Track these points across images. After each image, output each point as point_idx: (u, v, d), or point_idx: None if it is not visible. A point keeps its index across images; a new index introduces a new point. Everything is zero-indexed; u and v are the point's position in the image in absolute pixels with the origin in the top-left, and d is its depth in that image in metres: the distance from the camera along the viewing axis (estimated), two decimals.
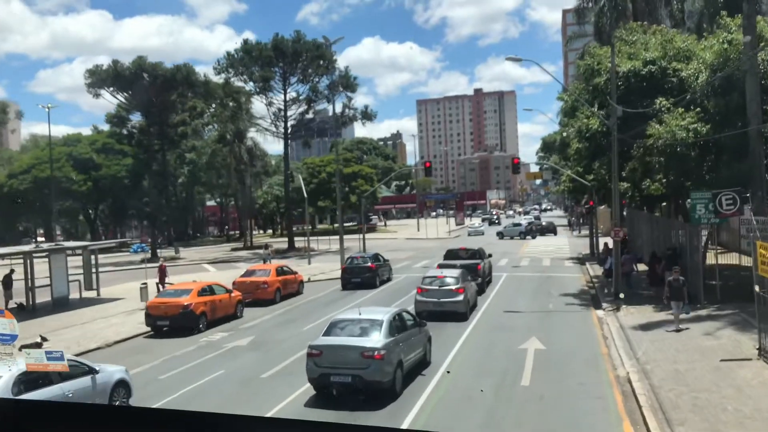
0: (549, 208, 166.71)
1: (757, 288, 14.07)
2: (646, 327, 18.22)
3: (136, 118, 79.30)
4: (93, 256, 30.30)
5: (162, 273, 28.28)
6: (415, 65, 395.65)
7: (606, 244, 32.38)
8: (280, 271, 26.99)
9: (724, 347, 14.99)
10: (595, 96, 24.97)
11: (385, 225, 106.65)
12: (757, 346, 14.25)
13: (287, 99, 56.61)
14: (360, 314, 14.38)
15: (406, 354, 14.35)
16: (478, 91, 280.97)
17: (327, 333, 14.07)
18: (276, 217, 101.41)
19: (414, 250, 51.13)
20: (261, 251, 49.13)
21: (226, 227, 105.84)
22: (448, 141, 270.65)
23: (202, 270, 44.49)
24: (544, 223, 70.20)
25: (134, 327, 21.78)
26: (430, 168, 40.57)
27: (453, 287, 20.31)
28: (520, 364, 14.94)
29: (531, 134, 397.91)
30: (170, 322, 20.20)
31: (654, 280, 23.67)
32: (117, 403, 12.23)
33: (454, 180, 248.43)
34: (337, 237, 72.75)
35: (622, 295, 22.77)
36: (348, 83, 55.53)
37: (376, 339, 13.52)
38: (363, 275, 28.76)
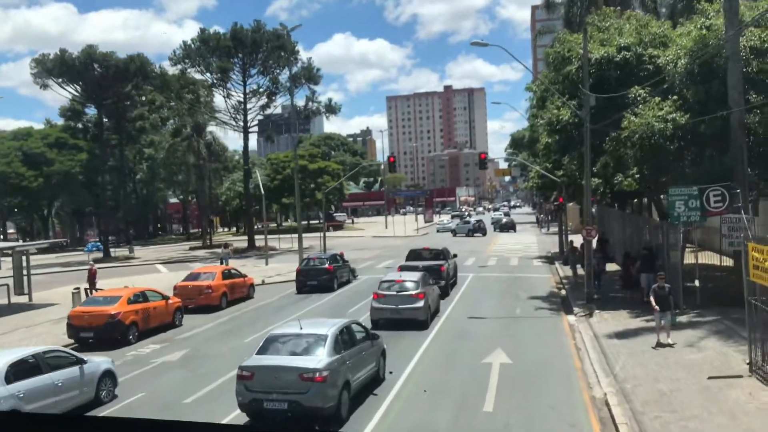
0: (518, 204, 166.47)
1: (747, 294, 12.47)
2: (622, 335, 16.59)
3: (93, 112, 76.88)
4: (25, 258, 27.74)
5: (92, 277, 25.87)
6: (386, 62, 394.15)
7: (572, 242, 30.82)
8: (227, 274, 24.83)
9: (711, 361, 13.38)
10: (566, 86, 23.31)
11: (353, 222, 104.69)
12: (747, 361, 12.66)
13: (247, 91, 54.15)
14: (301, 328, 12.43)
15: (355, 373, 12.47)
16: (448, 87, 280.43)
17: (262, 350, 12.10)
18: (241, 215, 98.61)
19: (379, 249, 49.27)
20: (219, 250, 46.81)
21: (189, 225, 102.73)
22: (418, 138, 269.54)
23: (154, 271, 42.00)
24: (504, 221, 69.89)
25: (58, 338, 19.43)
26: (394, 163, 38.72)
27: (412, 292, 18.45)
28: (484, 383, 13.13)
29: (501, 132, 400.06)
30: (95, 334, 17.97)
31: (628, 282, 22.15)
32: (104, 392, 12.96)
33: (424, 177, 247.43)
34: (308, 235, 70.68)
35: (596, 296, 21.25)
36: (311, 75, 53.30)
37: (318, 358, 11.62)
38: (319, 278, 26.75)
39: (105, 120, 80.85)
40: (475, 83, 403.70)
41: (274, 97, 55.95)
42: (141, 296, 19.36)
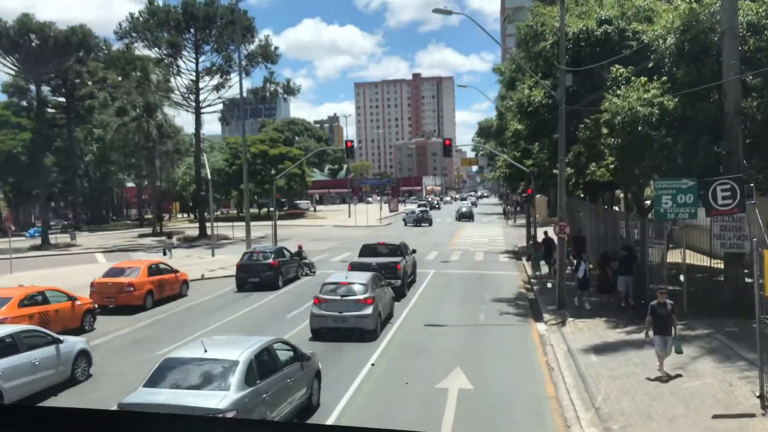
0: (485, 195, 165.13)
1: (760, 312, 10.14)
2: (601, 350, 14.23)
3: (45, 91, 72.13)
4: None
5: None
6: (356, 49, 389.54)
7: (534, 237, 28.53)
8: (154, 270, 21.82)
9: (712, 392, 11.03)
10: (539, 66, 20.85)
11: (315, 210, 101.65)
12: (758, 393, 10.35)
13: (200, 70, 50.64)
14: (205, 351, 9.73)
15: (276, 406, 9.86)
16: (416, 75, 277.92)
17: (150, 382, 9.36)
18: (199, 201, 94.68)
19: (338, 240, 46.52)
20: (164, 239, 43.63)
21: (145, 211, 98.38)
22: (386, 126, 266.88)
23: (91, 261, 38.57)
24: (464, 210, 70.84)
25: None
26: (352, 148, 35.90)
27: (360, 297, 15.81)
28: (437, 417, 10.59)
29: (469, 122, 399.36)
30: None
31: (604, 285, 19.86)
32: (79, 371, 13.20)
33: (391, 165, 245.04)
34: (264, 223, 67.49)
35: (588, 306, 18.91)
36: (267, 53, 50.01)
37: (224, 393, 8.97)
38: (262, 274, 23.91)
39: (53, 98, 77.06)
40: (444, 73, 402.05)
41: (228, 77, 52.58)
42: (38, 297, 16.33)
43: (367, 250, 23.20)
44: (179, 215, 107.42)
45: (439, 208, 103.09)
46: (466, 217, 67.59)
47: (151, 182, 66.21)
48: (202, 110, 53.56)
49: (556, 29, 19.27)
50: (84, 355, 13.44)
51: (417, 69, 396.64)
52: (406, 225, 61.21)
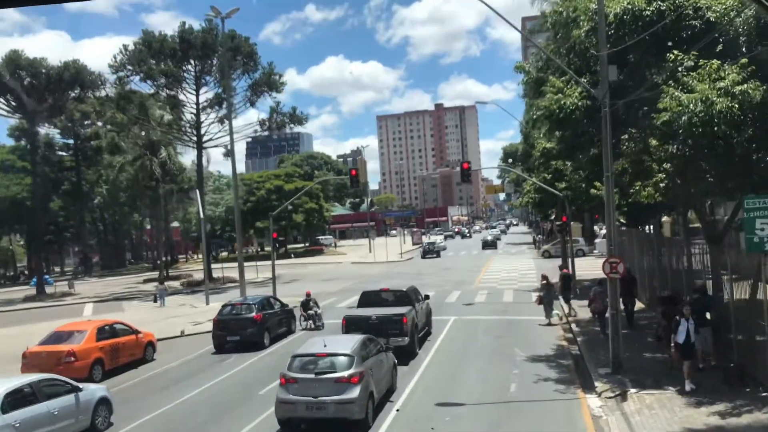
0: (513, 223, 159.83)
1: None
2: None
3: (45, 132, 70.11)
4: None
5: None
6: (379, 83, 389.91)
7: (545, 277, 23.48)
8: (106, 333, 17.75)
9: None
10: (572, 61, 16.64)
11: (335, 246, 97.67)
12: None
13: (200, 102, 47.52)
14: None
15: None
16: (438, 106, 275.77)
17: None
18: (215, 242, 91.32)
19: (353, 279, 42.26)
20: (174, 284, 40.00)
21: (162, 253, 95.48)
22: (410, 157, 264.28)
23: (75, 315, 34.81)
24: (489, 239, 72.24)
25: None
26: (357, 176, 31.85)
27: (342, 374, 11.49)
28: None
29: (494, 150, 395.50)
30: None
31: (667, 337, 15.24)
32: (99, 420, 12.87)
33: (416, 197, 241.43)
34: (277, 262, 63.72)
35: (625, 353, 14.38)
36: (271, 82, 46.68)
37: None
38: (243, 331, 19.73)
39: (62, 140, 74.97)
40: (467, 103, 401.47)
41: (233, 109, 49.32)
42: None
43: (368, 298, 18.87)
44: (198, 256, 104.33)
45: (470, 236, 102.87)
46: (490, 245, 68.23)
47: (157, 223, 63.04)
48: (205, 145, 50.35)
49: (592, 12, 15.10)
50: (104, 403, 13.13)
51: (440, 101, 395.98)
52: (423, 258, 60.31)
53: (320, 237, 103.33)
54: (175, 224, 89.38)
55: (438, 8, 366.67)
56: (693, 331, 13.06)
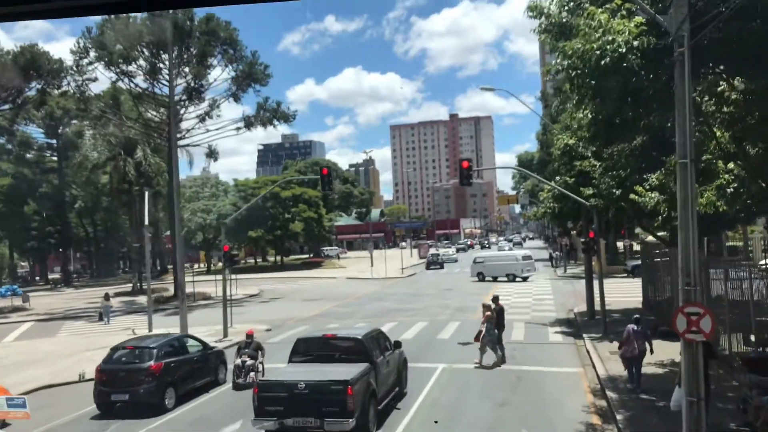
0: (529, 237, 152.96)
1: None
2: None
3: (24, 129, 65.16)
4: None
5: None
6: (396, 95, 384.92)
7: (485, 306, 17.57)
8: None
9: None
10: None
11: (338, 258, 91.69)
12: None
13: (174, 94, 41.88)
14: None
15: None
16: (453, 116, 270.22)
17: None
18: (209, 249, 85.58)
19: (338, 300, 36.20)
20: (102, 301, 34.42)
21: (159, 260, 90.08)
22: (423, 168, 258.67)
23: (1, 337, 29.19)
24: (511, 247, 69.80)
25: None
26: (328, 175, 25.78)
27: None
28: None
29: (510, 163, 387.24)
30: None
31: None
32: None
33: (429, 208, 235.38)
34: (272, 275, 57.91)
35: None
36: (252, 72, 40.97)
37: None
38: (134, 388, 13.75)
39: (45, 139, 69.97)
40: (483, 115, 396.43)
41: (216, 103, 43.77)
42: None
43: (305, 348, 12.75)
44: (198, 266, 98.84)
45: (488, 247, 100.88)
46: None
47: (136, 230, 57.47)
48: (182, 143, 44.74)
49: None
50: None
51: (457, 113, 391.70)
52: (428, 269, 59.21)
53: (325, 248, 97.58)
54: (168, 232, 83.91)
55: (456, 21, 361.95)
56: None
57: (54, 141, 68.39)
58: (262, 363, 15.47)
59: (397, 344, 14.04)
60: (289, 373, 11.67)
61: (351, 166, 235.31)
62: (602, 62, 9.28)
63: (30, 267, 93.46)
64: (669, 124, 13.24)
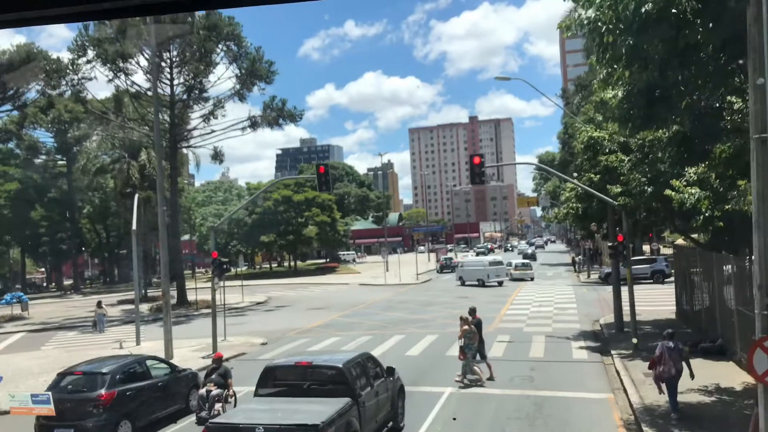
0: (551, 240, 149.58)
1: None
2: None
3: (34, 134, 64.14)
4: None
5: None
6: (416, 99, 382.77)
7: (464, 318, 15.42)
8: None
9: None
10: None
11: (354, 263, 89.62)
12: None
13: (175, 93, 40.21)
14: None
15: None
16: (473, 118, 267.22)
17: None
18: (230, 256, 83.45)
19: (346, 309, 33.99)
20: (96, 309, 32.79)
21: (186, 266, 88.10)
22: (442, 171, 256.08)
23: None
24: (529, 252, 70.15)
25: None
26: (325, 174, 23.48)
27: None
28: None
29: (530, 167, 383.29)
30: None
31: None
32: None
33: (448, 212, 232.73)
34: (284, 281, 55.95)
35: None
36: (255, 69, 39.08)
37: None
38: (80, 421, 11.64)
39: (53, 144, 68.85)
40: (503, 118, 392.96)
41: (220, 103, 41.96)
42: None
43: (276, 380, 10.52)
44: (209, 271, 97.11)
45: (512, 250, 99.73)
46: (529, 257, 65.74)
47: (142, 236, 55.89)
48: (183, 145, 43.09)
49: None
50: None
51: (476, 115, 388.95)
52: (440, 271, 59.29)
53: (342, 253, 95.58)
54: (186, 237, 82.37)
55: (476, 23, 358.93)
56: None
57: (63, 145, 67.26)
58: (234, 394, 13.21)
59: (390, 371, 11.74)
60: (250, 411, 9.47)
61: (369, 170, 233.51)
62: (642, 9, 6.95)
63: (47, 273, 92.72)
64: (718, 104, 10.92)
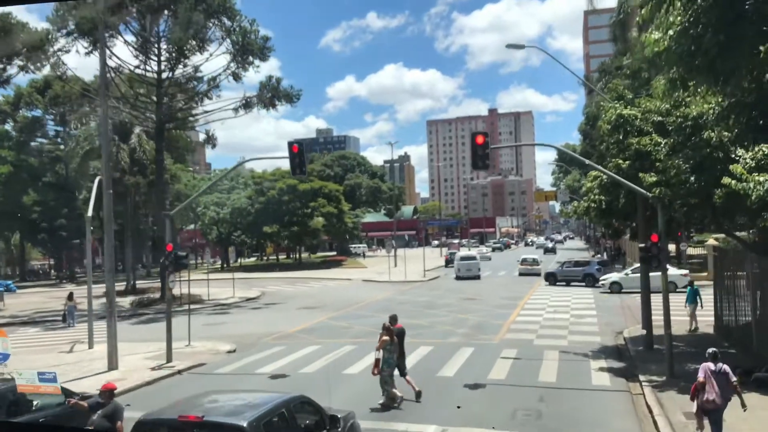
0: (569, 236, 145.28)
1: None
2: None
3: (29, 113, 61.63)
4: None
5: None
6: (437, 92, 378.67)
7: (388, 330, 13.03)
8: None
9: None
10: None
11: (363, 256, 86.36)
12: None
13: (163, 71, 37.06)
14: None
15: None
16: (492, 111, 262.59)
17: None
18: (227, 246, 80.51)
19: (342, 309, 30.67)
20: (66, 301, 29.97)
21: (192, 255, 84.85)
22: (460, 164, 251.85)
23: None
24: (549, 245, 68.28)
25: None
26: (299, 154, 19.93)
27: None
28: None
29: (549, 161, 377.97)
30: None
31: None
32: None
33: (465, 206, 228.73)
34: (290, 275, 53.01)
35: None
36: (247, 44, 35.74)
37: None
38: None
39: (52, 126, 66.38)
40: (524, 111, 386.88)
41: (214, 81, 38.77)
42: None
43: None
44: (213, 260, 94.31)
45: (533, 245, 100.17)
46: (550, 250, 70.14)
47: (131, 223, 53.15)
48: (172, 126, 40.00)
49: None
50: None
51: (496, 108, 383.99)
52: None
53: (353, 246, 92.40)
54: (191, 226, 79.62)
55: (499, 17, 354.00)
56: None
57: (62, 128, 64.73)
58: None
59: (334, 420, 8.35)
60: None
61: (386, 161, 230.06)
62: None
63: (56, 261, 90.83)
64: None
